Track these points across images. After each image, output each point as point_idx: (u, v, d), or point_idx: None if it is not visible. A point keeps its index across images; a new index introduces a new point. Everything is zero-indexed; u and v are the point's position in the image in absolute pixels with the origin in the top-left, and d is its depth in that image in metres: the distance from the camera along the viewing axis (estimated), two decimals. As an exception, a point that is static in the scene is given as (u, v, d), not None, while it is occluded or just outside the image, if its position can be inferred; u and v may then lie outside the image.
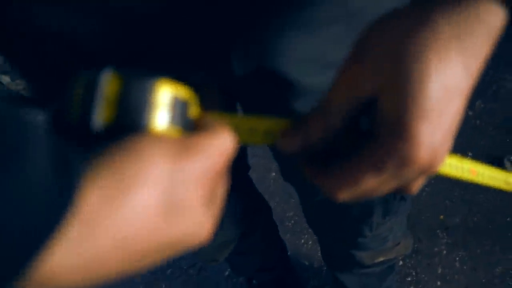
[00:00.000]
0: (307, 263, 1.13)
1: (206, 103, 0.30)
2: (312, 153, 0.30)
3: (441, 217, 1.12)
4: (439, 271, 1.06)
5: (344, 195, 0.28)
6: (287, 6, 0.39)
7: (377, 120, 0.27)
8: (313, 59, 0.42)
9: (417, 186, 0.30)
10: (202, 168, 0.24)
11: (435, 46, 0.25)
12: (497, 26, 0.26)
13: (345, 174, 0.28)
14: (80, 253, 0.19)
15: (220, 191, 0.28)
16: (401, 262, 1.07)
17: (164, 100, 0.25)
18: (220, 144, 0.25)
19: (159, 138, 0.23)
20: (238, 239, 0.79)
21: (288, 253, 1.06)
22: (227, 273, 1.13)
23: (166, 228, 0.22)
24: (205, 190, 0.25)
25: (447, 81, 0.25)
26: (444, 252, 1.07)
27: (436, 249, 1.08)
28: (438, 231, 1.10)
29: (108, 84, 0.23)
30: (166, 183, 0.22)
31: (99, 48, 0.38)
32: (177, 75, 0.29)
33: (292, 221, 1.19)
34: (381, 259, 0.74)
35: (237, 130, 0.29)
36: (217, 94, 0.33)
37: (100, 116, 0.23)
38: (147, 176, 0.21)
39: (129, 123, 0.23)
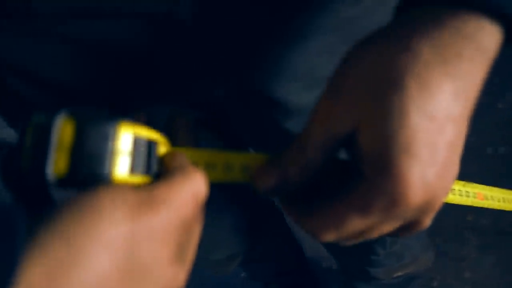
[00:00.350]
0: (325, 265, 1.08)
1: (181, 135, 0.29)
2: (291, 191, 0.27)
3: (469, 217, 1.06)
4: (467, 275, 1.00)
5: (328, 237, 0.26)
6: (272, 19, 0.36)
7: (359, 157, 0.24)
8: (300, 75, 0.40)
9: (426, 222, 0.27)
10: (168, 221, 0.22)
11: (416, 72, 0.23)
12: (491, 45, 0.23)
13: (328, 215, 0.26)
14: None
15: (193, 239, 0.26)
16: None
17: (125, 145, 0.22)
18: (190, 190, 0.23)
19: (119, 190, 0.21)
20: (247, 249, 0.76)
21: (306, 255, 1.02)
22: (243, 274, 1.09)
23: None
24: (173, 245, 0.23)
25: (432, 111, 0.23)
26: (473, 255, 1.02)
27: (464, 251, 1.02)
28: (466, 232, 1.05)
29: (62, 130, 0.21)
30: (126, 245, 0.20)
31: (69, 82, 0.37)
32: (151, 103, 0.28)
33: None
34: (399, 273, 0.71)
35: (212, 166, 0.27)
36: (193, 124, 0.30)
37: (54, 166, 0.21)
38: (103, 240, 0.19)
39: (86, 173, 0.21)
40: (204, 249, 0.54)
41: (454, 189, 0.32)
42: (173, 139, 0.28)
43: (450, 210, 1.07)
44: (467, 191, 0.33)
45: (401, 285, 0.79)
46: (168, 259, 0.22)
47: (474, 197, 0.33)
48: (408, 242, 0.65)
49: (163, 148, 0.26)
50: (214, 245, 0.67)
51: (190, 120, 0.31)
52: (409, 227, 0.27)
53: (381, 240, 0.60)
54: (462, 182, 0.33)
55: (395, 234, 0.29)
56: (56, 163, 0.21)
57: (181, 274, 0.24)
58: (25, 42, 0.35)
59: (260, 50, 0.38)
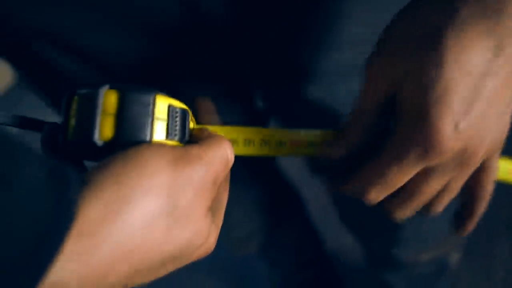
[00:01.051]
0: (347, 260, 1.06)
1: (205, 116, 0.31)
2: (337, 166, 0.31)
3: (503, 215, 1.02)
4: (500, 274, 0.95)
5: (374, 194, 0.29)
6: None
7: (399, 112, 0.27)
8: (319, 39, 0.41)
9: (485, 182, 0.30)
10: (202, 175, 0.24)
11: (454, 28, 0.24)
12: None
13: (369, 172, 0.28)
14: (84, 266, 0.20)
15: (222, 202, 0.28)
16: (454, 264, 0.97)
17: (161, 113, 0.25)
18: (219, 151, 0.26)
19: (159, 147, 0.24)
20: (267, 231, 0.76)
21: (328, 251, 1.00)
22: (262, 264, 1.07)
23: (170, 238, 0.23)
24: (207, 198, 0.25)
25: (469, 65, 0.24)
26: (507, 253, 0.97)
27: (497, 249, 0.98)
28: (499, 228, 1.01)
29: (106, 98, 0.24)
30: (168, 191, 0.23)
31: (102, 52, 0.39)
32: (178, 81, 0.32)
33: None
34: (426, 256, 0.69)
35: (234, 142, 0.30)
36: (213, 105, 0.32)
37: (100, 131, 0.24)
38: (149, 185, 0.22)
39: (128, 136, 0.24)
40: (227, 225, 0.60)
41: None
42: (198, 120, 0.31)
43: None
44: None
45: (431, 277, 0.78)
46: (204, 210, 0.24)
47: None
48: (436, 219, 0.62)
49: (192, 123, 0.28)
50: (236, 220, 0.68)
51: (212, 102, 0.33)
52: (474, 192, 0.30)
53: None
54: None
55: (447, 196, 0.31)
56: (102, 128, 0.24)
57: (213, 233, 0.26)
58: (58, 10, 0.36)
59: (282, 15, 0.39)
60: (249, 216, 0.70)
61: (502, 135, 0.27)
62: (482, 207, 0.32)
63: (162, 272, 0.24)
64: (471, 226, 0.33)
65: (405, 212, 0.30)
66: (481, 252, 0.99)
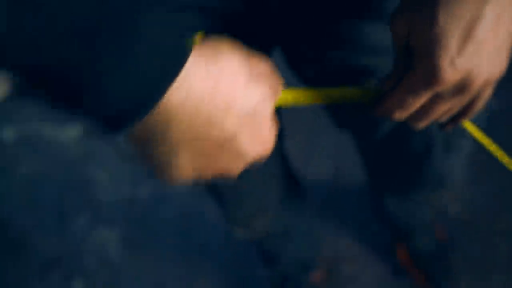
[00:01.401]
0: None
1: None
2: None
3: (499, 223, 1.03)
4: (496, 278, 0.97)
5: (398, 115, 0.38)
6: None
7: (412, 55, 0.35)
8: None
9: (475, 104, 0.37)
10: (264, 69, 0.32)
11: None
12: None
13: (392, 99, 0.37)
14: (201, 80, 0.27)
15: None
16: (454, 262, 0.98)
17: None
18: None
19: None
20: (276, 211, 0.79)
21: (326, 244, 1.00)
22: (263, 267, 1.08)
23: (248, 92, 0.30)
24: (267, 86, 0.31)
25: (459, 13, 0.31)
26: (503, 259, 0.99)
27: (495, 255, 1.00)
28: (495, 235, 1.03)
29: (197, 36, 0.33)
30: (244, 63, 0.30)
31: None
32: None
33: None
34: (435, 200, 0.79)
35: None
36: None
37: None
38: (235, 53, 0.30)
39: None
40: (243, 191, 0.69)
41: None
42: None
43: (479, 214, 1.03)
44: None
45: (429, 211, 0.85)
46: (267, 89, 0.31)
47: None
48: (453, 164, 0.70)
49: None
50: (253, 187, 0.72)
51: None
52: (464, 110, 0.38)
53: (429, 156, 0.66)
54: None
55: (456, 118, 0.39)
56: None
57: (273, 125, 0.33)
58: None
59: None
60: (264, 183, 0.73)
61: (498, 69, 0.33)
62: (463, 121, 0.39)
63: (243, 132, 0.30)
64: (449, 129, 0.41)
65: (421, 125, 0.39)
66: (481, 256, 1.00)
